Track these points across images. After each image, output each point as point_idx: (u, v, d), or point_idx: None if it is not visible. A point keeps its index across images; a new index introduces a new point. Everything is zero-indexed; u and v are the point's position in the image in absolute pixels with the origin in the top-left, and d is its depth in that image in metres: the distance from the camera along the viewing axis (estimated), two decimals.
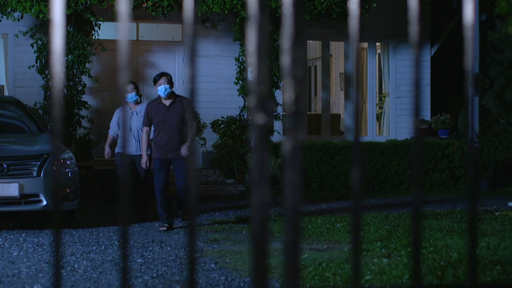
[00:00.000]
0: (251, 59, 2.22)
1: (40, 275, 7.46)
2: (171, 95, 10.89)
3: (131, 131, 11.84)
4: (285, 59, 2.23)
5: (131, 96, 11.97)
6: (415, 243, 2.36)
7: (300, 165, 2.24)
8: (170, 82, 10.96)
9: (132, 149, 11.80)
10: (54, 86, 2.20)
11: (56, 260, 2.32)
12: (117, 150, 12.13)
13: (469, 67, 2.62)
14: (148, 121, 10.95)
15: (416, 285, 2.39)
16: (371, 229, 10.29)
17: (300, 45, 2.23)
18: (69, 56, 14.73)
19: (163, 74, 11.04)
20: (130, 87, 11.88)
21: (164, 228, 10.75)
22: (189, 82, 2.27)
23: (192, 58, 2.27)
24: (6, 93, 15.67)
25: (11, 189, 10.09)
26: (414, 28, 2.50)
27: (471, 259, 2.41)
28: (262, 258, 2.28)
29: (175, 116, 10.76)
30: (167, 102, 10.83)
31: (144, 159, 11.04)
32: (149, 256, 8.54)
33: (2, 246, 9.21)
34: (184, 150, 10.66)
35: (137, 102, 12.06)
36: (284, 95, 2.24)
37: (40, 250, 8.90)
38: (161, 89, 10.78)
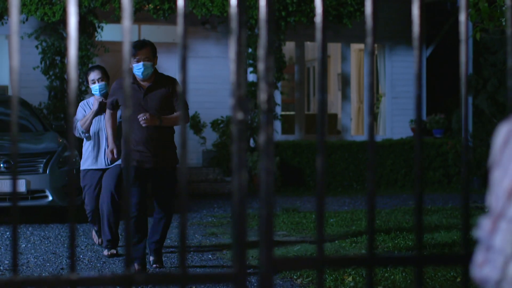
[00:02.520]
0: (232, 66, 2.69)
1: (48, 264, 7.95)
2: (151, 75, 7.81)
3: (97, 137, 8.89)
4: (260, 66, 2.70)
5: (98, 86, 8.76)
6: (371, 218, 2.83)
7: (272, 154, 2.71)
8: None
9: (102, 163, 8.86)
10: (70, 90, 2.66)
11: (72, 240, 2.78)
12: (84, 166, 8.89)
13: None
14: (112, 105, 7.94)
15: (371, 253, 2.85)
16: (362, 223, 10.75)
17: (271, 55, 2.70)
18: (66, 60, 15.17)
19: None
20: (95, 74, 8.77)
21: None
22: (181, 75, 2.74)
23: (184, 49, 2.73)
24: (10, 93, 16.15)
25: (18, 185, 10.52)
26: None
27: (417, 228, 2.88)
28: (241, 233, 2.74)
29: (155, 103, 7.72)
30: (146, 84, 7.73)
31: (111, 146, 8.19)
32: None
33: (10, 239, 9.69)
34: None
35: (107, 96, 8.58)
36: (259, 96, 2.71)
37: (46, 242, 9.40)
38: (138, 66, 7.69)
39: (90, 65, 8.03)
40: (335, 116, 19.92)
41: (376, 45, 18.64)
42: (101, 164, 8.80)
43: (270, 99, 2.69)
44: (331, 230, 10.24)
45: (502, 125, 2.00)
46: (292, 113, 19.22)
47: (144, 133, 7.53)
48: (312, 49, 22.18)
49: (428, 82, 18.86)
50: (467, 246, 2.96)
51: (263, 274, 2.74)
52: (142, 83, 7.68)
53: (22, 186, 10.55)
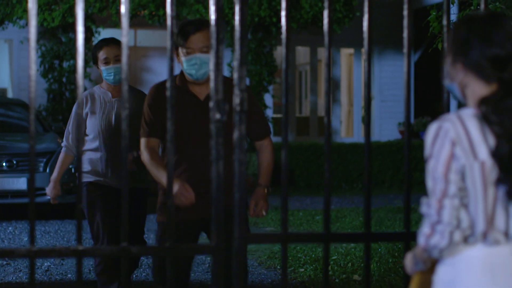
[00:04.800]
0: (211, 75, 3.26)
1: (48, 258, 8.50)
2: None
3: (102, 140, 5.90)
4: (234, 75, 3.27)
5: (113, 69, 5.81)
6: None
7: (244, 148, 3.28)
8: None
9: (108, 177, 5.95)
10: (78, 95, 3.22)
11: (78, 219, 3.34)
12: (86, 178, 5.92)
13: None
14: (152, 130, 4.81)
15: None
16: (346, 220, 11.33)
17: (244, 66, 3.27)
18: (71, 61, 15.76)
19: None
20: (109, 51, 5.79)
21: None
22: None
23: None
24: (10, 95, 16.73)
25: (20, 183, 11.12)
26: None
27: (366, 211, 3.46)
28: (218, 213, 3.31)
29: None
30: (203, 91, 4.75)
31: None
32: None
33: (13, 233, 10.29)
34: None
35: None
36: (234, 100, 3.28)
37: (47, 236, 9.98)
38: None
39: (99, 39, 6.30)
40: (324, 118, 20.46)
41: (365, 50, 19.19)
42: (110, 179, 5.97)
43: (243, 102, 3.27)
44: (316, 227, 10.80)
45: (432, 124, 2.58)
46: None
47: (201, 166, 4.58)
48: (304, 53, 22.77)
49: (415, 85, 19.43)
50: (408, 226, 3.53)
51: (238, 247, 3.31)
52: (195, 88, 4.67)
53: (23, 184, 11.09)
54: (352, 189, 17.12)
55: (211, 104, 3.25)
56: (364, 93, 3.59)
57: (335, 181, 17.39)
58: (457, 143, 2.50)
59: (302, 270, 7.74)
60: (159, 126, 4.58)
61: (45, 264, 8.12)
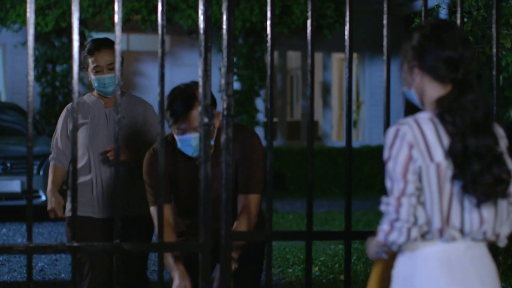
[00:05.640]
0: (200, 81, 3.44)
1: (43, 256, 8.66)
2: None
3: (91, 159, 4.97)
4: (222, 81, 3.45)
5: (108, 79, 5.01)
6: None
7: (230, 150, 3.46)
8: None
9: (98, 205, 4.99)
10: (73, 99, 3.40)
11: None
12: (70, 212, 4.88)
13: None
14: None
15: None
16: (335, 223, 11.52)
17: (231, 72, 3.45)
18: (64, 66, 15.94)
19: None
20: (104, 57, 5.02)
21: None
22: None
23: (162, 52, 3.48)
24: (3, 99, 16.89)
25: (13, 185, 11.28)
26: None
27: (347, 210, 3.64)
28: (206, 212, 3.49)
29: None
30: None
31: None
32: None
33: (7, 234, 10.45)
34: None
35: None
36: (222, 104, 3.47)
37: (41, 238, 10.14)
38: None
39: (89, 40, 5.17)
40: (316, 123, 20.70)
41: (356, 55, 19.44)
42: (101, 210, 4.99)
43: (230, 107, 3.45)
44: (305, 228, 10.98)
45: (390, 128, 2.76)
46: (275, 120, 19.99)
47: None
48: (295, 58, 22.99)
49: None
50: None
51: (224, 244, 3.49)
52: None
53: (17, 187, 11.25)
54: (342, 193, 17.28)
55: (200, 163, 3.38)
56: (345, 98, 3.77)
57: (325, 184, 17.56)
58: (414, 145, 2.68)
59: (291, 270, 7.92)
60: (166, 191, 4.19)
61: (39, 264, 8.29)
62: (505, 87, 13.91)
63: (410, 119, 2.73)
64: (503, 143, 2.75)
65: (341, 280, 7.44)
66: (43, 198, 11.43)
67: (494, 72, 3.81)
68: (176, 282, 3.98)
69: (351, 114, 3.78)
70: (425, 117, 2.74)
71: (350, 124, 3.78)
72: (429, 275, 2.67)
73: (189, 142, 4.08)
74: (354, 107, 19.92)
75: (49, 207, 4.85)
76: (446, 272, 2.67)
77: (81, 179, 4.90)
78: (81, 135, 4.94)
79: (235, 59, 16.92)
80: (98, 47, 5.00)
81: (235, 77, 16.91)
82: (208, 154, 3.45)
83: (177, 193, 4.22)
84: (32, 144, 3.43)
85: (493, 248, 5.41)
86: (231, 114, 3.45)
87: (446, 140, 2.68)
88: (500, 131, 2.78)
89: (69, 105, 5.08)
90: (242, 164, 4.08)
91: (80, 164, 4.90)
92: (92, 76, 4.93)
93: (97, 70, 4.95)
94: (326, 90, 19.27)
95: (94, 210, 4.92)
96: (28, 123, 3.40)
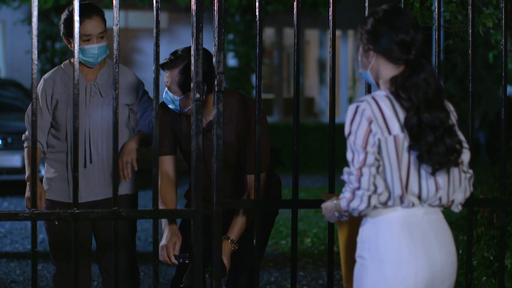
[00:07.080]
0: (192, 60, 3.69)
1: (43, 228, 8.92)
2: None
3: (68, 140, 4.59)
4: (214, 59, 3.69)
5: (97, 49, 4.54)
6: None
7: (221, 124, 3.71)
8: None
9: (87, 188, 4.52)
10: (75, 77, 3.64)
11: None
12: (50, 195, 4.64)
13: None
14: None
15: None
16: None
17: (222, 51, 3.70)
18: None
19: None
20: (92, 25, 4.53)
21: None
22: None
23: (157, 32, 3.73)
24: (3, 76, 17.13)
25: (14, 160, 11.56)
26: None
27: None
28: (198, 181, 3.75)
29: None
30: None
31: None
32: None
33: (8, 208, 10.74)
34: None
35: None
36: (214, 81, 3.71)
37: None
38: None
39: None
40: (312, 99, 20.93)
41: (352, 32, 19.64)
42: (89, 193, 4.54)
43: (220, 84, 3.70)
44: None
45: (351, 105, 3.01)
46: (271, 96, 20.23)
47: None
48: (291, 35, 23.18)
49: None
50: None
51: (216, 211, 3.75)
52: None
53: (18, 161, 11.52)
54: (338, 168, 17.53)
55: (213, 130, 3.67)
56: (330, 76, 4.01)
57: (321, 160, 17.80)
58: (373, 120, 2.94)
59: (284, 242, 8.19)
60: (168, 142, 4.18)
61: (40, 236, 8.56)
62: (497, 64, 14.13)
63: (368, 97, 2.98)
64: (453, 117, 3.01)
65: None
66: (43, 173, 11.67)
67: (469, 51, 4.07)
68: (167, 236, 3.97)
69: (334, 92, 4.02)
70: (381, 95, 2.99)
71: (333, 104, 4.02)
72: (392, 238, 2.94)
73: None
74: (349, 83, 20.16)
75: (27, 194, 4.34)
76: (407, 234, 2.94)
77: (59, 159, 4.55)
78: (60, 112, 4.54)
79: (232, 36, 17.12)
80: (89, 14, 4.46)
81: (231, 54, 17.11)
82: (200, 127, 3.70)
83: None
84: (36, 118, 3.67)
85: (474, 220, 5.67)
86: (221, 90, 3.70)
87: (401, 115, 2.94)
88: (450, 107, 3.05)
89: (46, 75, 4.72)
90: (246, 139, 4.07)
91: (58, 146, 4.53)
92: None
93: (88, 39, 4.46)
94: (322, 67, 19.49)
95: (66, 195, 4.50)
96: (33, 99, 3.63)
